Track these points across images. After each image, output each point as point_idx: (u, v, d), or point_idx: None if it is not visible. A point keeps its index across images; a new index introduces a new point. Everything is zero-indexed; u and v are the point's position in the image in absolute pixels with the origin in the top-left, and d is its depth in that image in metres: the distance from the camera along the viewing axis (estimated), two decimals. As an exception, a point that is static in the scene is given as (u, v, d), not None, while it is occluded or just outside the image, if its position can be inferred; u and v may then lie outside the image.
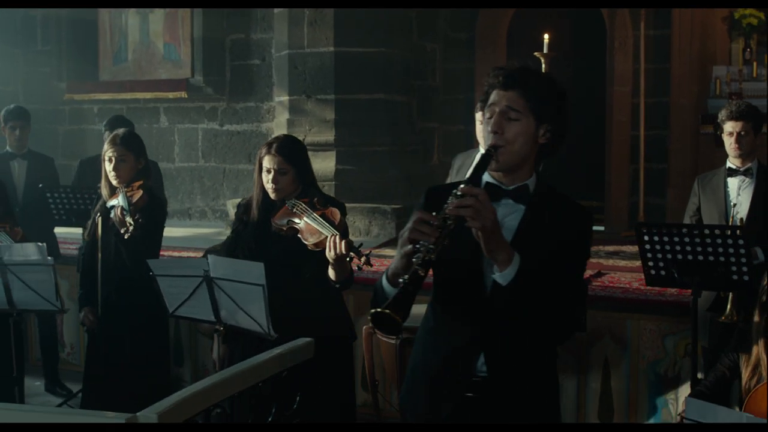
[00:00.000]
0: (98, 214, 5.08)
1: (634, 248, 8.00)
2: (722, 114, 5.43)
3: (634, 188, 9.11)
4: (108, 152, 5.01)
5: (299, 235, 4.21)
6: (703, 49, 9.09)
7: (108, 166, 5.00)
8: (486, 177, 2.84)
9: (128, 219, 4.71)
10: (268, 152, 4.36)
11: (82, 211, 6.36)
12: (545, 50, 6.27)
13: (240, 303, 3.89)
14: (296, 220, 4.24)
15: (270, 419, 3.06)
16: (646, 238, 4.86)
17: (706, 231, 4.71)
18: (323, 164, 8.46)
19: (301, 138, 8.58)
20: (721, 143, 8.85)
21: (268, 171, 4.34)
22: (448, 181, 6.15)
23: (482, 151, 2.80)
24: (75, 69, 10.05)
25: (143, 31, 9.73)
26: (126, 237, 4.77)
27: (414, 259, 2.51)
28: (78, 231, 7.01)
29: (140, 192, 4.93)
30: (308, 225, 4.17)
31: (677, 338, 5.80)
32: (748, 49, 9.13)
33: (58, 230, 6.94)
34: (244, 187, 9.47)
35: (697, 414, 3.53)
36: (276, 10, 8.94)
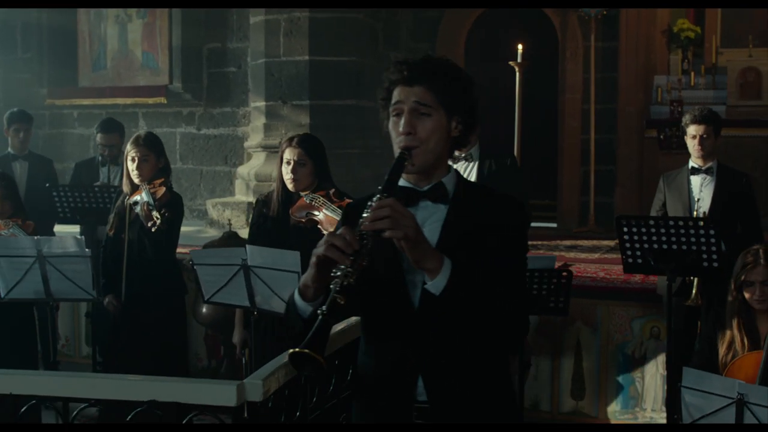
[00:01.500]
0: (129, 209, 5.17)
1: (590, 242, 8.44)
2: (686, 118, 5.66)
3: (584, 188, 9.39)
4: (131, 152, 5.12)
5: (319, 226, 4.39)
6: (646, 60, 9.46)
7: (131, 165, 5.11)
8: (401, 182, 2.49)
9: (155, 213, 4.84)
10: (289, 145, 4.54)
11: (86, 209, 6.43)
12: (519, 59, 6.54)
13: (275, 289, 4.07)
14: (315, 212, 4.42)
15: (331, 389, 3.27)
16: (625, 229, 5.08)
17: (681, 222, 4.98)
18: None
19: (277, 141, 8.79)
20: (665, 146, 9.30)
21: (288, 162, 4.50)
22: None
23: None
24: (55, 75, 10.06)
25: (122, 39, 9.79)
26: (153, 230, 4.89)
27: (332, 286, 2.19)
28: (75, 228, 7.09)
29: (163, 189, 5.06)
30: (328, 216, 4.36)
31: (643, 321, 6.10)
32: (686, 60, 9.53)
33: (56, 228, 7.00)
34: (221, 188, 9.59)
35: (693, 382, 3.83)
36: (252, 21, 9.08)
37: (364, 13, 9.01)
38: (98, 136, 6.92)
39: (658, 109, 9.35)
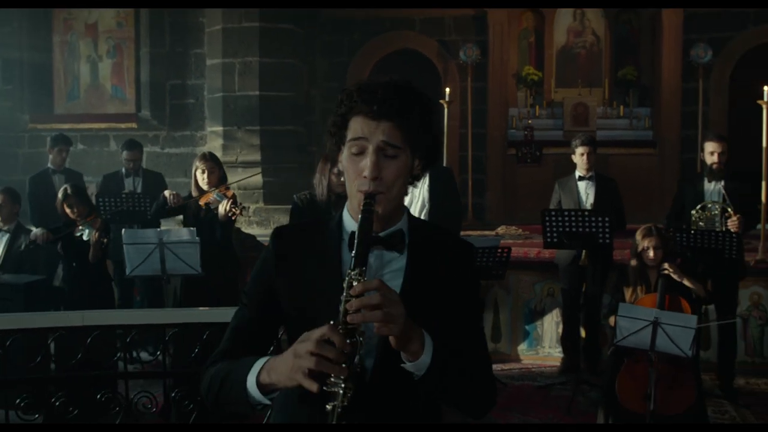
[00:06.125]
0: (199, 208, 6.01)
1: (476, 233, 9.73)
2: (575, 142, 6.86)
3: (463, 192, 10.47)
4: (200, 166, 5.99)
5: None
6: (505, 96, 10.94)
7: (200, 176, 6.00)
8: (347, 221, 1.95)
9: (236, 208, 5.75)
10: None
11: (121, 211, 7.14)
12: (447, 98, 7.78)
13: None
14: None
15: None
16: (547, 218, 6.29)
17: (586, 213, 6.32)
18: (253, 178, 9.56)
19: (233, 158, 9.68)
20: (521, 161, 10.74)
21: (338, 174, 5.53)
22: (418, 194, 7.16)
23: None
24: (33, 104, 10.42)
25: (93, 75, 10.32)
26: (234, 219, 5.78)
27: (328, 407, 1.67)
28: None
29: (231, 191, 5.98)
30: None
31: (542, 284, 7.38)
32: (531, 96, 11.06)
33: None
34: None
35: (625, 311, 5.11)
36: (209, 63, 9.91)
37: (298, 58, 10.07)
38: (124, 153, 7.69)
39: (514, 133, 10.75)
